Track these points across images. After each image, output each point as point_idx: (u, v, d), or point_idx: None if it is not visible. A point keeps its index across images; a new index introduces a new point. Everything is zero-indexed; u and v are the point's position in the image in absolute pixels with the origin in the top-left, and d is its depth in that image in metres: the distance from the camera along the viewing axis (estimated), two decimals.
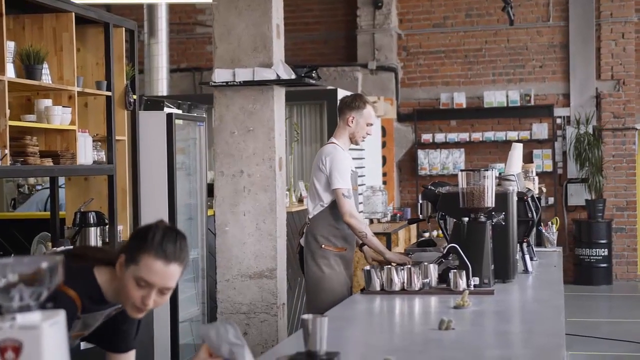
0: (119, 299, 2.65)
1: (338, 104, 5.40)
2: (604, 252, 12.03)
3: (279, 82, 5.70)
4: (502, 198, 4.50)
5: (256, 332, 5.56)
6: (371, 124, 5.27)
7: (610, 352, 8.11)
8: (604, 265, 12.06)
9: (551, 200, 12.35)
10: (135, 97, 5.93)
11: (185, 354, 6.43)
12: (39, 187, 8.74)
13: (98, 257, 2.69)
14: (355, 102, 5.24)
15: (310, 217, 5.23)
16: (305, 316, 2.72)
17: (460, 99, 12.65)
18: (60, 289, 2.48)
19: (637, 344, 8.30)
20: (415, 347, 3.04)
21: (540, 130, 12.43)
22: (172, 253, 2.54)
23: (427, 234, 12.24)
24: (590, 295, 11.48)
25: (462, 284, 4.14)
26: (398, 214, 10.76)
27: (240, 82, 5.66)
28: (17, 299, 1.75)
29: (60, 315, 1.80)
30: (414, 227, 10.98)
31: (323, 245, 5.12)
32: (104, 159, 5.53)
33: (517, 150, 5.47)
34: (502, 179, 5.07)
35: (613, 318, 10.07)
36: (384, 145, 12.22)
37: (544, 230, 6.35)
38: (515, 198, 4.64)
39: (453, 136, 12.65)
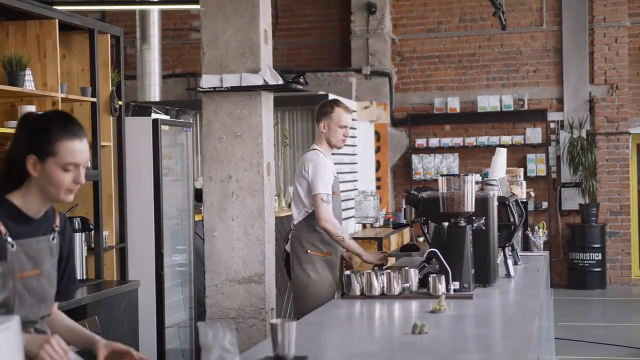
0: (45, 199, 2.70)
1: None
2: (597, 256, 12.04)
3: (266, 87, 5.72)
4: (482, 203, 4.51)
5: (245, 337, 5.57)
6: (344, 126, 5.32)
7: (602, 356, 8.11)
8: (598, 269, 12.07)
9: (545, 204, 12.36)
10: (121, 103, 5.95)
11: (171, 359, 6.44)
12: None
13: (4, 189, 2.71)
14: (324, 107, 5.36)
15: (295, 222, 5.31)
16: (274, 321, 2.74)
17: (454, 104, 12.67)
18: None
19: (630, 348, 8.30)
20: (385, 352, 3.06)
21: (534, 134, 12.44)
22: (79, 130, 2.70)
23: (421, 239, 12.25)
24: (584, 300, 11.48)
25: (442, 288, 4.15)
26: (391, 219, 10.76)
27: (227, 87, 5.69)
28: None
29: (14, 321, 1.82)
30: (407, 231, 10.99)
31: (309, 251, 5.20)
32: (89, 165, 5.55)
33: (501, 155, 5.49)
34: (484, 183, 5.08)
35: (606, 322, 10.08)
36: (378, 150, 12.25)
37: (530, 235, 6.36)
38: (495, 203, 4.65)
39: (447, 141, 12.67)
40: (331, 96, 9.76)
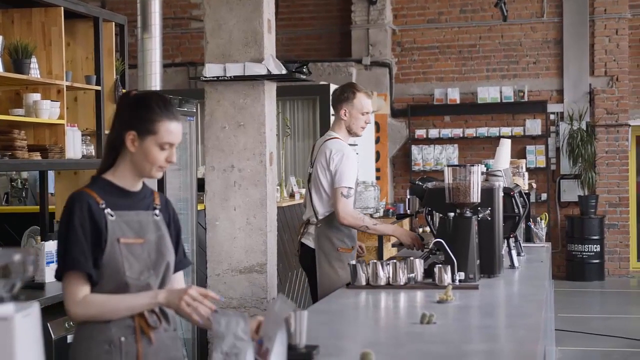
0: (137, 175, 2.83)
1: (331, 97, 5.32)
2: (596, 248, 12.06)
3: (269, 77, 5.72)
4: (488, 193, 4.51)
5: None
6: (366, 113, 5.13)
7: (601, 347, 8.14)
8: (596, 261, 12.10)
9: (544, 196, 12.38)
10: (124, 91, 5.94)
11: None
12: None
13: (101, 169, 2.88)
14: (344, 93, 5.13)
15: (319, 217, 5.08)
16: None
17: (454, 95, 12.67)
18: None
19: (628, 339, 8.34)
20: (395, 341, 3.07)
21: (534, 126, 12.45)
22: (176, 112, 2.86)
23: (421, 229, 12.26)
24: (582, 291, 11.51)
25: (447, 278, 4.16)
26: (391, 210, 10.77)
27: (231, 77, 5.68)
28: None
29: (34, 308, 1.82)
30: (407, 222, 11.01)
31: (339, 248, 5.03)
32: (94, 153, 5.54)
33: (505, 146, 5.49)
34: (489, 174, 5.08)
35: (605, 314, 10.11)
36: (377, 140, 12.25)
37: (532, 226, 6.37)
38: (501, 193, 4.65)
39: (447, 132, 12.67)
40: (333, 87, 9.76)
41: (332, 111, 9.72)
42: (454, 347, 2.96)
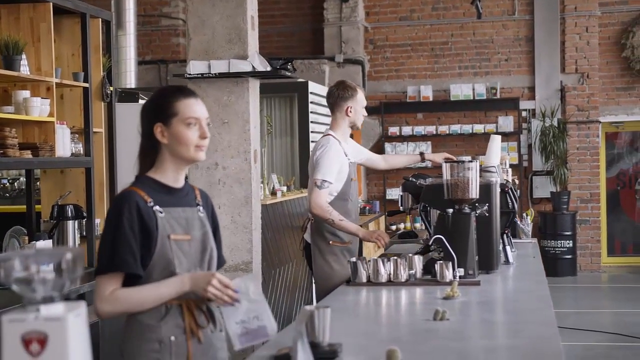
0: (179, 164, 2.82)
1: (327, 97, 5.28)
2: (568, 243, 12.18)
3: (254, 74, 5.68)
4: (485, 189, 4.52)
5: None
6: (364, 106, 5.29)
7: (577, 342, 8.21)
8: (569, 256, 12.21)
9: (517, 192, 12.45)
10: (112, 88, 5.86)
11: None
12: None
13: (143, 169, 2.86)
14: (347, 91, 5.19)
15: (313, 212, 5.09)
16: (309, 307, 2.72)
17: (427, 92, 12.70)
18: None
19: (603, 333, 8.43)
20: (413, 338, 3.05)
21: (506, 123, 12.53)
22: (190, 91, 2.87)
23: (393, 227, 12.30)
24: (555, 287, 11.58)
25: (449, 275, 4.15)
26: (367, 207, 10.80)
27: (215, 74, 5.64)
28: (40, 291, 1.73)
29: (82, 307, 1.78)
30: (382, 219, 11.04)
31: (331, 242, 5.08)
32: (82, 151, 5.46)
33: (496, 142, 5.51)
34: (483, 170, 5.08)
35: (578, 309, 10.20)
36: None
37: (519, 222, 6.40)
38: (498, 189, 4.67)
39: (420, 129, 12.70)
40: (312, 84, 9.75)
41: (311, 108, 9.69)
42: (473, 343, 2.95)
